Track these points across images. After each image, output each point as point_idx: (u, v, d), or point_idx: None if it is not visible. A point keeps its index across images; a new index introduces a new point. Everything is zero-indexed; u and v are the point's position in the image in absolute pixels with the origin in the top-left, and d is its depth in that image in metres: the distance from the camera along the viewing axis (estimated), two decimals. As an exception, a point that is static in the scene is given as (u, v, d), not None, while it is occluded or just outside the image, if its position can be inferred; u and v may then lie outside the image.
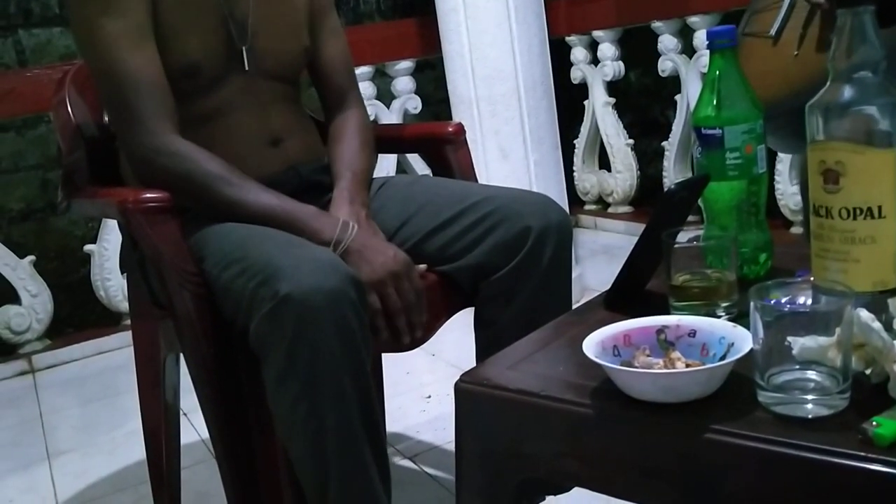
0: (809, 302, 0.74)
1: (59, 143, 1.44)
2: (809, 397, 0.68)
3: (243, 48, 1.29)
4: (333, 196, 1.29)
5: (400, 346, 1.22)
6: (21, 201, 2.81)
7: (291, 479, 1.16)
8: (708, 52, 0.96)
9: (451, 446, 0.87)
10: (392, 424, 1.75)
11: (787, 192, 2.49)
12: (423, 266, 1.27)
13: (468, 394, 0.84)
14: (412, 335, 1.21)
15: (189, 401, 1.32)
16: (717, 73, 0.95)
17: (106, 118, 1.44)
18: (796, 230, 2.50)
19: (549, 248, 1.24)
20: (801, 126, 0.79)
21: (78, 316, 2.82)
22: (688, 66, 2.73)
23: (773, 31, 1.20)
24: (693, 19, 2.64)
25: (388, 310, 1.18)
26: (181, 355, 1.33)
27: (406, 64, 2.99)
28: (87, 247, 2.66)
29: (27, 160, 2.82)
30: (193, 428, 1.85)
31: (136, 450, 1.64)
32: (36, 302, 2.61)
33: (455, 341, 1.52)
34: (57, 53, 2.80)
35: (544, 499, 1.37)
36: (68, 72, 1.45)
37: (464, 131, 1.51)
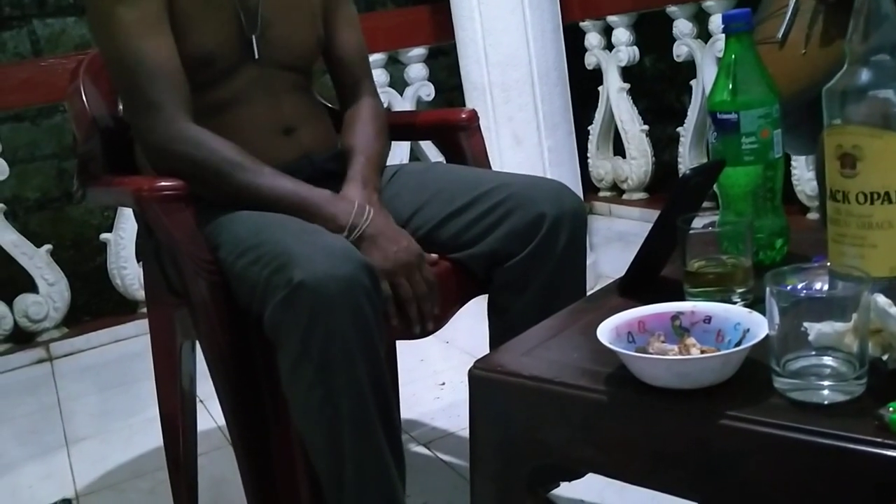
0: (826, 287, 0.74)
1: (75, 132, 1.45)
2: (825, 383, 0.67)
3: (253, 37, 1.29)
4: (346, 178, 1.29)
5: (411, 335, 1.22)
6: (37, 191, 2.83)
7: (307, 464, 1.16)
8: (723, 36, 0.95)
9: (465, 433, 0.87)
10: (406, 411, 1.76)
11: (804, 178, 2.47)
12: (434, 256, 1.27)
13: (482, 380, 0.85)
14: (423, 326, 1.22)
15: (205, 388, 1.33)
16: (733, 57, 0.94)
17: (120, 107, 1.45)
18: (813, 216, 2.48)
19: (564, 234, 1.24)
20: (814, 127, 0.79)
21: (94, 304, 2.84)
22: (703, 50, 2.71)
23: (779, 35, 1.22)
24: (708, 3, 2.62)
25: (400, 299, 1.18)
26: (197, 342, 1.33)
27: (419, 51, 2.98)
28: (103, 235, 2.68)
29: (43, 150, 2.83)
30: (209, 415, 1.87)
31: (153, 436, 1.65)
32: (53, 290, 2.63)
33: (469, 329, 1.53)
34: (71, 43, 2.82)
35: (558, 485, 1.37)
36: (82, 61, 1.46)
37: (477, 118, 1.50)
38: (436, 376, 2.08)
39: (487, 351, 0.97)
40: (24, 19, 2.77)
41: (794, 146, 1.26)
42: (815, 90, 0.79)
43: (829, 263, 0.79)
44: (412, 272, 1.19)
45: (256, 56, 1.29)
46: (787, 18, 1.22)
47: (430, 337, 1.25)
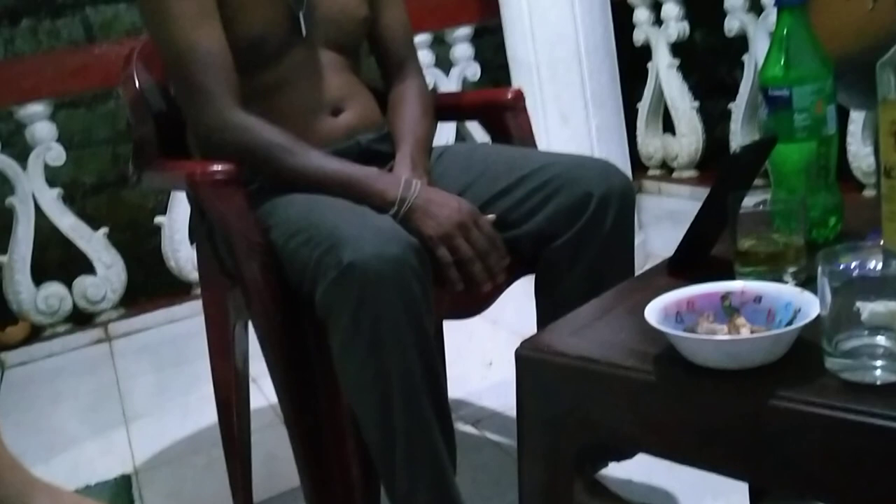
0: (879, 266, 0.72)
1: (129, 117, 1.48)
2: (878, 363, 0.66)
3: (301, 14, 1.30)
4: (395, 161, 1.30)
5: (477, 297, 1.20)
6: (93, 175, 2.90)
7: (358, 440, 1.18)
8: (776, 9, 0.93)
9: (513, 412, 0.88)
10: (454, 390, 1.75)
11: (860, 154, 2.41)
12: (492, 216, 1.25)
13: (529, 360, 0.85)
14: (493, 280, 1.20)
15: (257, 367, 1.36)
16: (786, 30, 0.92)
17: (173, 92, 1.48)
18: (869, 193, 2.42)
19: (611, 213, 1.23)
20: (874, 81, 0.77)
21: (150, 285, 2.90)
22: (755, 24, 2.65)
23: None
24: (761, -24, 2.56)
25: (461, 259, 1.17)
26: (250, 322, 1.36)
27: (464, 30, 2.97)
28: (158, 219, 2.73)
29: (98, 135, 2.90)
30: (262, 393, 1.90)
31: (208, 414, 1.69)
32: (110, 272, 2.69)
33: (516, 308, 1.53)
34: (123, 29, 2.87)
35: (607, 464, 1.37)
36: (135, 47, 1.48)
37: (523, 97, 1.50)
38: (483, 356, 2.09)
39: (535, 331, 0.98)
40: (78, 6, 2.82)
41: (849, 99, 1.21)
42: (880, 51, 0.76)
43: (882, 241, 0.77)
44: (468, 231, 1.18)
45: (304, 34, 1.30)
46: None
47: (477, 317, 1.26)
